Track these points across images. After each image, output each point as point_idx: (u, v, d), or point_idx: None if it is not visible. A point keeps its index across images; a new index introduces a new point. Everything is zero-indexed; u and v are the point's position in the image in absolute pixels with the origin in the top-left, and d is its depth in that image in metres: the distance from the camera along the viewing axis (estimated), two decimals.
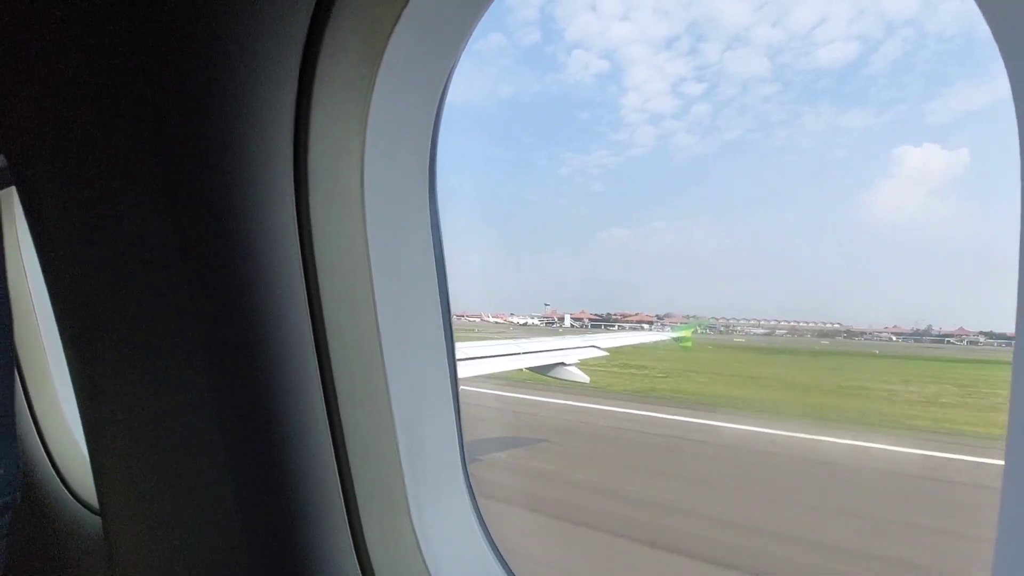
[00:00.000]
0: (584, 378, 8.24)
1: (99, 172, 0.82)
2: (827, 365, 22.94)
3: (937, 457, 8.13)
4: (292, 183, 0.82)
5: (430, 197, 0.92)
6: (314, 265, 0.84)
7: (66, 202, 0.87)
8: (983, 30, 0.47)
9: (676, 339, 16.79)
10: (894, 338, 28.26)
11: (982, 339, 23.95)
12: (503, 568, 0.99)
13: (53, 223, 0.89)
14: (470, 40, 0.86)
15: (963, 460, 7.92)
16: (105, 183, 0.82)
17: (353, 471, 0.90)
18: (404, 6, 0.72)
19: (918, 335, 27.31)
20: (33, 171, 0.87)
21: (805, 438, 9.36)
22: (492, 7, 0.81)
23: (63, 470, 1.49)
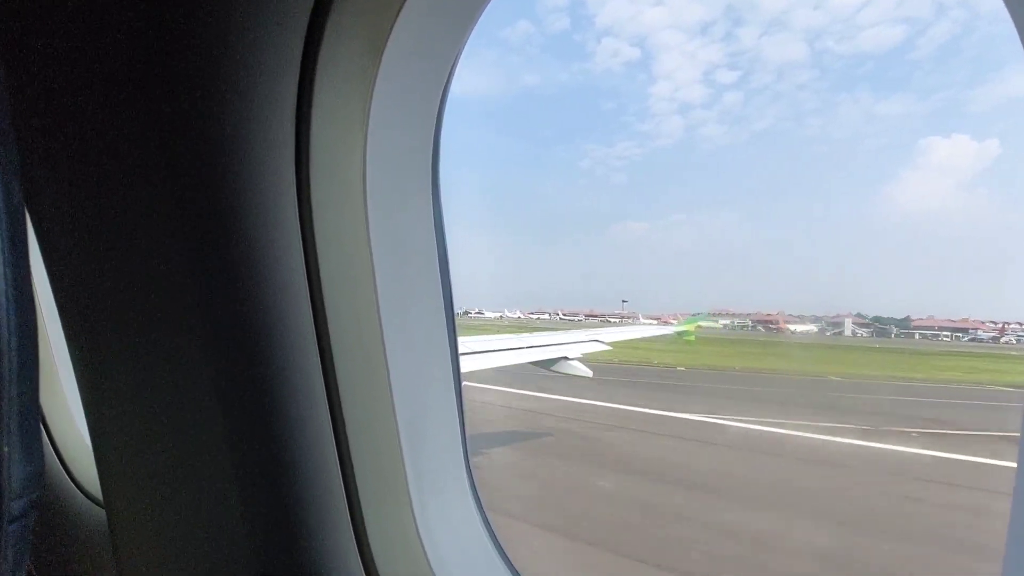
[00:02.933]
0: (587, 372, 8.26)
1: (100, 166, 0.82)
2: None
3: None
4: (294, 176, 0.81)
5: (433, 190, 0.91)
6: (316, 260, 0.84)
7: (68, 197, 0.87)
8: None
9: (679, 333, 16.80)
10: None
11: None
12: (506, 564, 0.99)
13: (55, 218, 0.89)
14: (479, 33, 0.85)
15: None
16: (106, 177, 0.82)
17: (355, 466, 0.90)
18: None
19: None
20: (34, 166, 0.87)
21: None
22: None
23: (69, 463, 1.50)
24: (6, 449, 0.30)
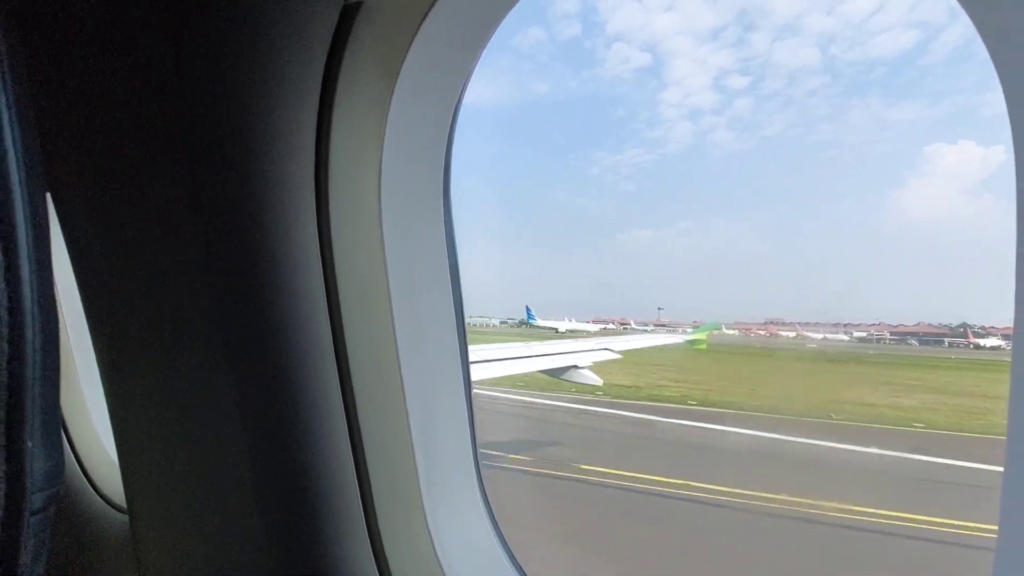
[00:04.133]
0: (597, 380, 8.23)
1: (129, 180, 0.86)
2: None
3: None
4: (313, 193, 0.85)
5: (444, 205, 0.95)
6: (333, 271, 0.87)
7: (97, 207, 0.91)
8: None
9: (690, 342, 16.67)
10: None
11: None
12: (516, 569, 1.00)
13: (84, 227, 0.93)
14: (488, 49, 0.88)
15: None
16: (134, 190, 0.86)
17: (370, 472, 0.92)
18: (419, 26, 0.76)
19: None
20: (65, 175, 0.91)
21: None
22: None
23: (88, 468, 1.54)
24: (29, 444, 0.32)
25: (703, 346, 17.31)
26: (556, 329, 25.09)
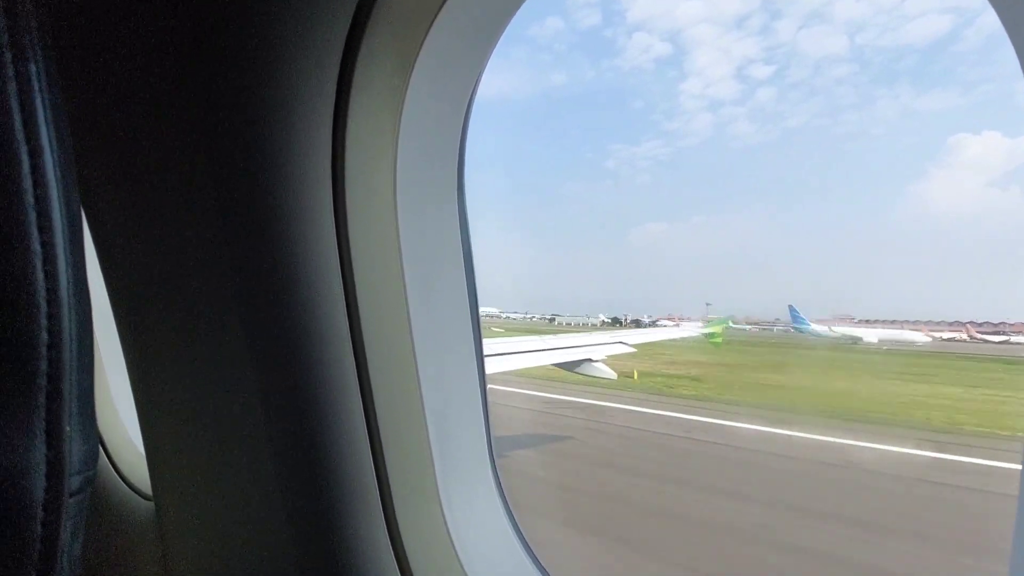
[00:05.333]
0: (611, 374, 8.20)
1: (153, 178, 0.88)
2: None
3: None
4: (330, 187, 0.86)
5: (459, 198, 0.96)
6: (350, 265, 0.89)
7: (123, 204, 0.93)
8: None
9: (707, 335, 16.51)
10: None
11: None
12: (531, 558, 1.01)
13: (110, 220, 0.96)
14: (501, 46, 0.89)
15: None
16: (158, 189, 0.88)
17: (387, 463, 0.93)
18: (433, 20, 0.77)
19: None
20: (92, 174, 0.94)
21: None
22: None
23: (114, 456, 1.58)
24: (68, 428, 0.34)
25: (718, 339, 17.10)
26: (860, 339, 16.88)
